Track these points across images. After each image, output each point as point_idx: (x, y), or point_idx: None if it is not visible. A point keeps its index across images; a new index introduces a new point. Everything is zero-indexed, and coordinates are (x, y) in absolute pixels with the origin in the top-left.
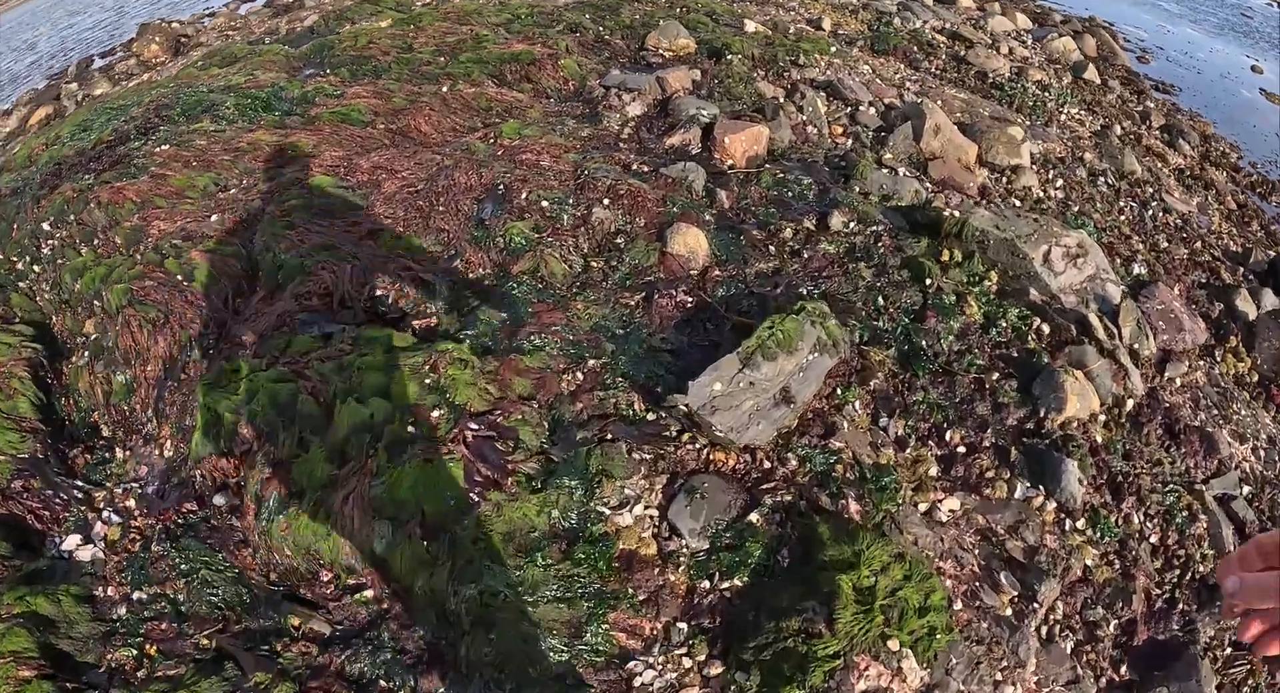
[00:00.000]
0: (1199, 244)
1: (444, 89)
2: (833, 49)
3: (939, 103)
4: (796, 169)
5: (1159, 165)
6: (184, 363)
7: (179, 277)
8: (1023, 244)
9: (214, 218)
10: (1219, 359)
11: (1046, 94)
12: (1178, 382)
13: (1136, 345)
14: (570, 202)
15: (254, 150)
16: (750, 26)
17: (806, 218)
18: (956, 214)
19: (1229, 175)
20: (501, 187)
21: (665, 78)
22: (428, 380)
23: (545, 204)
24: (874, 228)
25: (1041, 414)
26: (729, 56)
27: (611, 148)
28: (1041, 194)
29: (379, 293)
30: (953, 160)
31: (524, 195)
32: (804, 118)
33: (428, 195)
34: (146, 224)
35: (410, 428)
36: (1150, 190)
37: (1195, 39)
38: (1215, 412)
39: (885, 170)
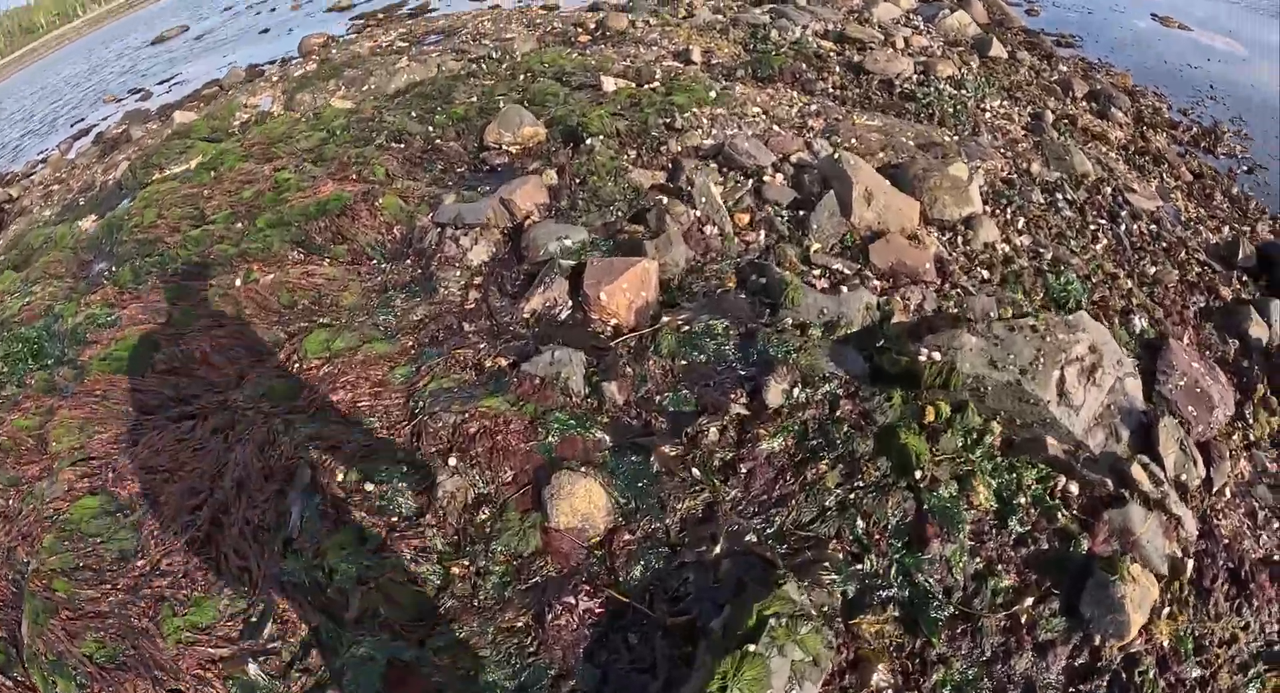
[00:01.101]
0: (1183, 253)
1: (238, 281)
2: (712, 94)
3: (854, 141)
4: (705, 311)
5: (1104, 150)
6: None
7: None
8: (1030, 384)
9: None
10: (1251, 420)
11: (963, 91)
12: (1227, 493)
13: (1184, 475)
14: (405, 469)
15: (15, 448)
16: (609, 84)
17: (733, 398)
18: (937, 357)
19: (1169, 136)
20: (308, 467)
21: (512, 199)
22: None
23: (370, 486)
24: (827, 388)
25: (1097, 642)
26: (588, 140)
27: (455, 335)
28: (1007, 249)
29: None
30: (896, 234)
31: (340, 477)
32: (697, 214)
33: (215, 508)
34: None
35: None
36: (1110, 191)
37: None
38: (1276, 523)
39: (819, 277)
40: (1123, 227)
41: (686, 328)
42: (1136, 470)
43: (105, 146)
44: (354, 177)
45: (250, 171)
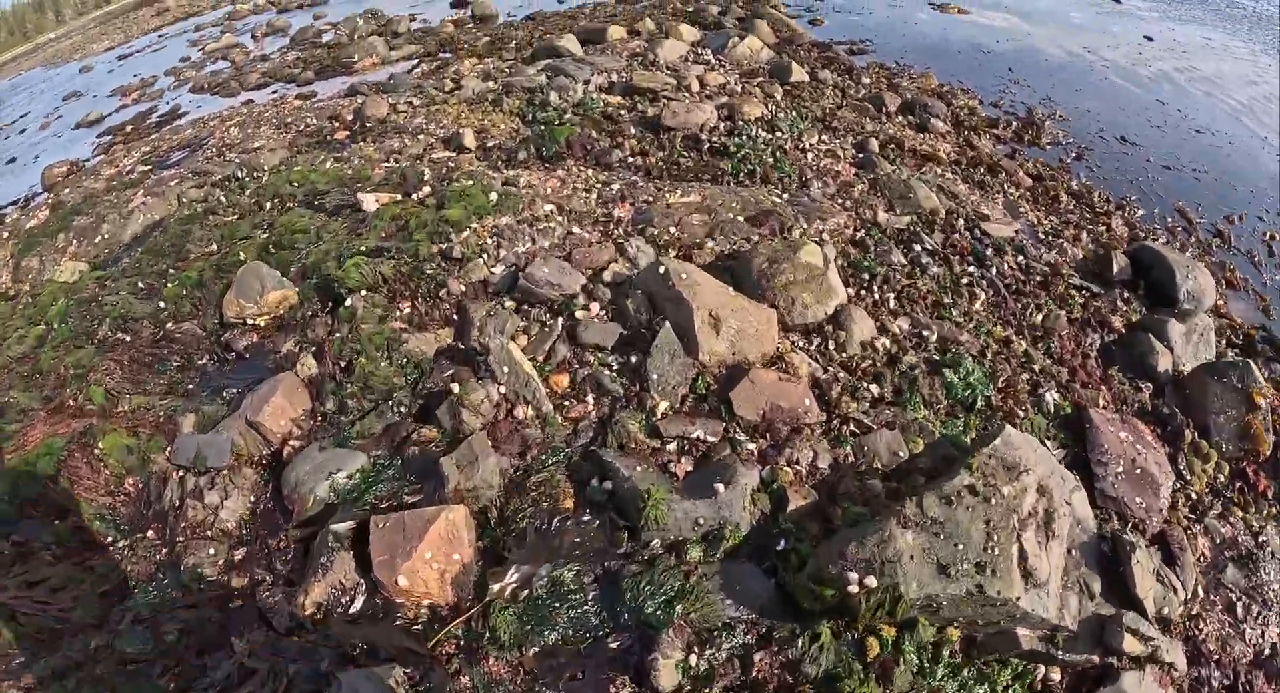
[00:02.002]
0: (1060, 284)
1: None
2: (493, 197)
3: (674, 231)
4: (543, 557)
5: (939, 171)
6: None
7: None
8: (994, 583)
9: None
10: (1189, 474)
11: (778, 133)
12: (1200, 590)
13: (1165, 608)
14: None
15: None
16: (370, 201)
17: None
18: (873, 582)
19: (993, 137)
20: None
21: (260, 422)
22: None
23: None
24: (733, 642)
25: None
26: (349, 300)
27: (223, 661)
28: (887, 342)
29: None
30: (758, 365)
31: None
32: (502, 390)
33: None
34: None
35: None
36: (964, 224)
37: None
38: (1255, 607)
39: (678, 454)
40: (993, 269)
41: (525, 593)
42: (1129, 642)
43: None
44: (70, 403)
45: None
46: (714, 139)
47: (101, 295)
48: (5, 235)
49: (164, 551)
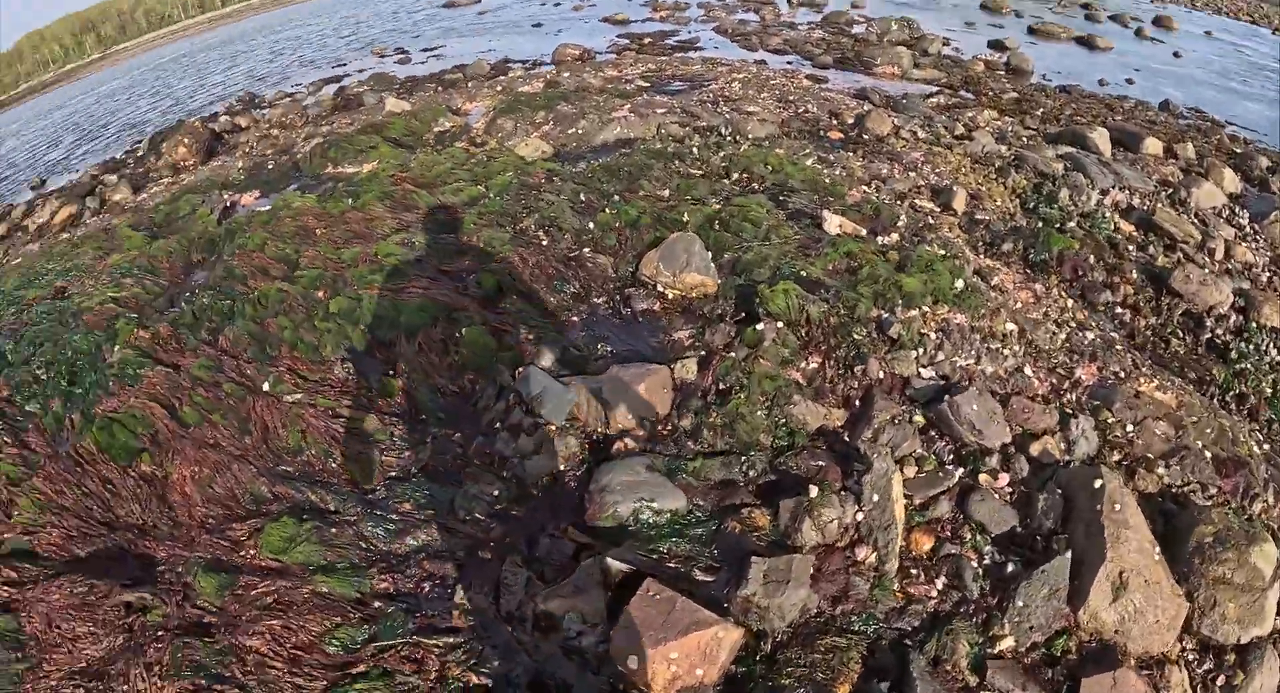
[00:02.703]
0: None
1: (265, 386)
2: (959, 284)
3: (1129, 430)
4: None
5: None
6: None
7: None
8: None
9: None
10: None
11: None
12: None
13: None
14: None
15: None
16: (832, 223)
17: None
18: None
19: None
20: None
21: (614, 405)
22: None
23: None
24: None
25: None
26: (761, 324)
27: (437, 601)
28: None
29: None
30: (1131, 663)
31: None
32: (858, 517)
33: None
34: None
35: None
36: None
37: None
38: None
39: None
40: None
41: None
42: None
43: (338, 102)
44: (462, 272)
45: (372, 222)
46: (1218, 331)
47: (543, 189)
48: (499, 89)
49: (459, 460)
